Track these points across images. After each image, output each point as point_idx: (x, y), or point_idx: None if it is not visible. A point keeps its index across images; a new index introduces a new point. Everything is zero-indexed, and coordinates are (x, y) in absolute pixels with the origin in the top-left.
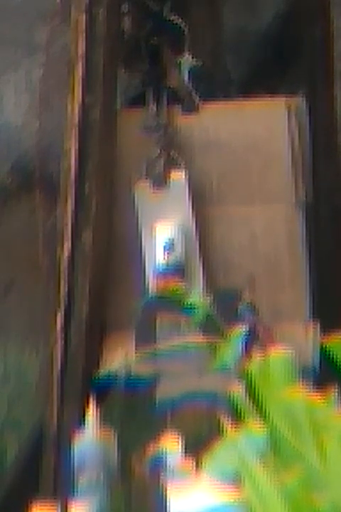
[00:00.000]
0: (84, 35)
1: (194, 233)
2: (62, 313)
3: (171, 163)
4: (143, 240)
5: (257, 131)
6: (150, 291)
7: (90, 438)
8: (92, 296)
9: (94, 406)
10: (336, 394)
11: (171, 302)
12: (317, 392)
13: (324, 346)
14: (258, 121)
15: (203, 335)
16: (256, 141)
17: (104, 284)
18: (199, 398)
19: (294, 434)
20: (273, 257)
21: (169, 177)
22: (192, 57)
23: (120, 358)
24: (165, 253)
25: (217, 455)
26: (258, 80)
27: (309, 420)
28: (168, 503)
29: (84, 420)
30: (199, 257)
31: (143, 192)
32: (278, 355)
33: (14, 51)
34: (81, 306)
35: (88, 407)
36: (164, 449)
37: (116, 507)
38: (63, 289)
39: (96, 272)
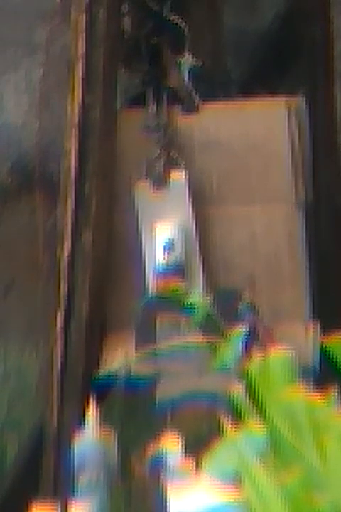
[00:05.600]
0: (84, 35)
1: (194, 233)
2: (62, 312)
3: (171, 163)
4: (143, 240)
5: (257, 131)
6: (150, 291)
7: (90, 438)
8: (92, 296)
9: (94, 406)
10: (336, 394)
11: (171, 302)
12: (317, 392)
13: (324, 346)
14: (258, 121)
15: (203, 335)
16: (256, 141)
17: (104, 284)
18: (199, 398)
19: (294, 434)
20: (273, 257)
21: (169, 177)
22: (192, 57)
23: (120, 358)
24: (165, 253)
25: (217, 455)
26: (258, 80)
27: (309, 420)
28: (168, 503)
29: (84, 420)
30: (199, 257)
31: (143, 192)
32: (278, 355)
33: (14, 51)
34: (81, 306)
35: (88, 407)
36: (164, 449)
37: (116, 507)
38: (63, 288)
39: (96, 272)
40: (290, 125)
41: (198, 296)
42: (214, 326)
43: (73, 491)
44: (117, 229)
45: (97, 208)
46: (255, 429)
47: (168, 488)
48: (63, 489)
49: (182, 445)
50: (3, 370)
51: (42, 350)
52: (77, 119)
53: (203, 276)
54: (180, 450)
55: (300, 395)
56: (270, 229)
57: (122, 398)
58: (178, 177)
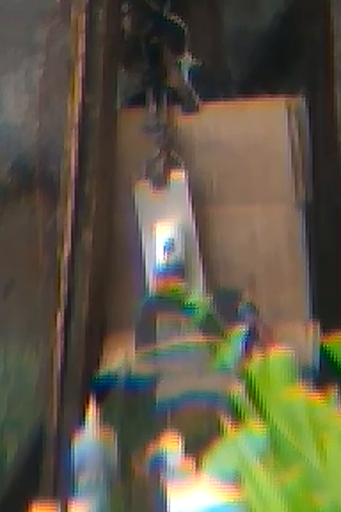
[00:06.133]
0: (84, 35)
1: (194, 233)
2: (62, 313)
3: (171, 163)
4: (143, 239)
5: (257, 131)
6: (150, 291)
7: (90, 438)
8: (92, 296)
9: (94, 406)
10: (336, 394)
11: (171, 302)
12: (317, 392)
13: (324, 346)
14: (258, 121)
15: (203, 335)
16: (256, 141)
17: (104, 284)
18: (199, 398)
19: (294, 434)
20: (273, 257)
21: (169, 177)
22: (192, 57)
23: (120, 358)
24: (165, 253)
25: (217, 455)
26: (258, 80)
27: (309, 420)
28: (168, 503)
29: (84, 420)
30: (199, 257)
31: (143, 192)
32: (278, 355)
33: (14, 51)
34: (81, 306)
35: (88, 407)
36: (164, 449)
37: (116, 507)
38: (63, 289)
39: (96, 272)
40: (290, 125)
41: (198, 296)
42: (214, 326)
43: (73, 491)
44: (117, 229)
45: (97, 208)
46: (255, 429)
47: (168, 488)
48: (63, 489)
49: (182, 445)
50: (3, 370)
51: (42, 350)
52: (77, 119)
53: (203, 276)
54: (180, 450)
55: (300, 395)
56: (270, 229)
57: (122, 398)
58: (178, 177)
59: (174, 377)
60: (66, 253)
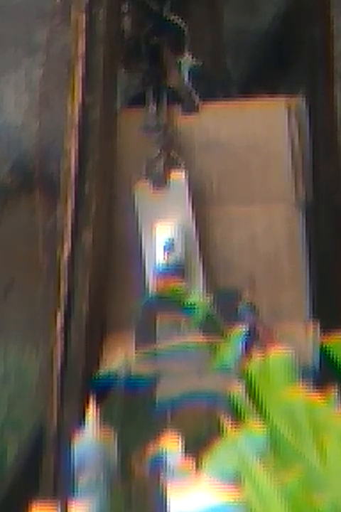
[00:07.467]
0: (84, 35)
1: (194, 233)
2: (62, 313)
3: (171, 163)
4: (143, 240)
5: (257, 131)
6: (150, 291)
7: (90, 438)
8: (92, 296)
9: (94, 406)
10: (336, 394)
11: (171, 302)
12: (317, 392)
13: (324, 346)
14: (258, 121)
15: (203, 335)
16: (256, 141)
17: (104, 284)
18: (199, 398)
19: (294, 434)
20: (273, 257)
21: (169, 177)
22: (192, 57)
23: (120, 358)
24: (165, 253)
25: (217, 455)
26: (258, 80)
27: (309, 420)
28: (168, 503)
29: (84, 420)
30: (199, 257)
31: (143, 192)
32: (278, 355)
33: (14, 51)
34: (81, 306)
35: (88, 407)
36: (164, 449)
37: (116, 507)
38: (63, 288)
39: (96, 272)
40: (290, 125)
41: (198, 296)
42: (214, 326)
43: (73, 491)
44: (117, 229)
45: (97, 207)
46: (255, 429)
47: (168, 488)
48: (63, 489)
49: (182, 445)
50: (3, 370)
51: (42, 350)
52: (77, 119)
53: (203, 276)
54: (180, 450)
55: (300, 395)
56: (270, 229)
57: (122, 398)
58: (178, 177)
59: (174, 377)
60: (66, 253)
